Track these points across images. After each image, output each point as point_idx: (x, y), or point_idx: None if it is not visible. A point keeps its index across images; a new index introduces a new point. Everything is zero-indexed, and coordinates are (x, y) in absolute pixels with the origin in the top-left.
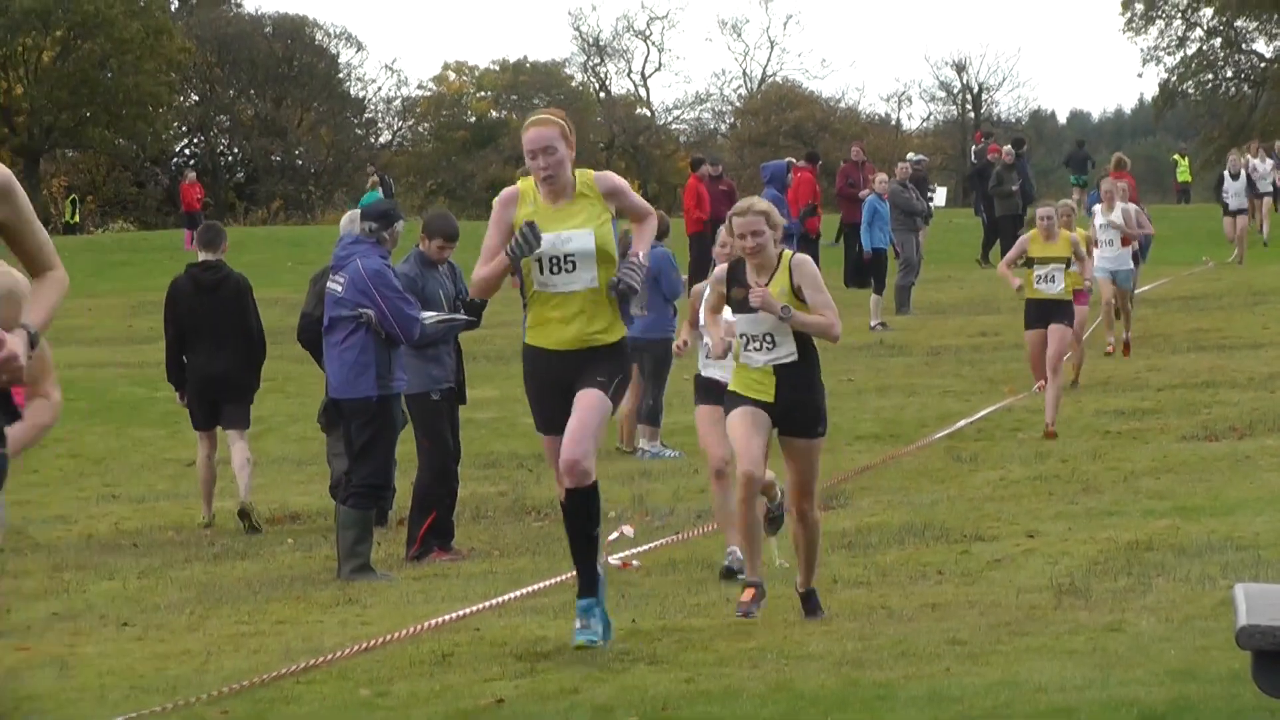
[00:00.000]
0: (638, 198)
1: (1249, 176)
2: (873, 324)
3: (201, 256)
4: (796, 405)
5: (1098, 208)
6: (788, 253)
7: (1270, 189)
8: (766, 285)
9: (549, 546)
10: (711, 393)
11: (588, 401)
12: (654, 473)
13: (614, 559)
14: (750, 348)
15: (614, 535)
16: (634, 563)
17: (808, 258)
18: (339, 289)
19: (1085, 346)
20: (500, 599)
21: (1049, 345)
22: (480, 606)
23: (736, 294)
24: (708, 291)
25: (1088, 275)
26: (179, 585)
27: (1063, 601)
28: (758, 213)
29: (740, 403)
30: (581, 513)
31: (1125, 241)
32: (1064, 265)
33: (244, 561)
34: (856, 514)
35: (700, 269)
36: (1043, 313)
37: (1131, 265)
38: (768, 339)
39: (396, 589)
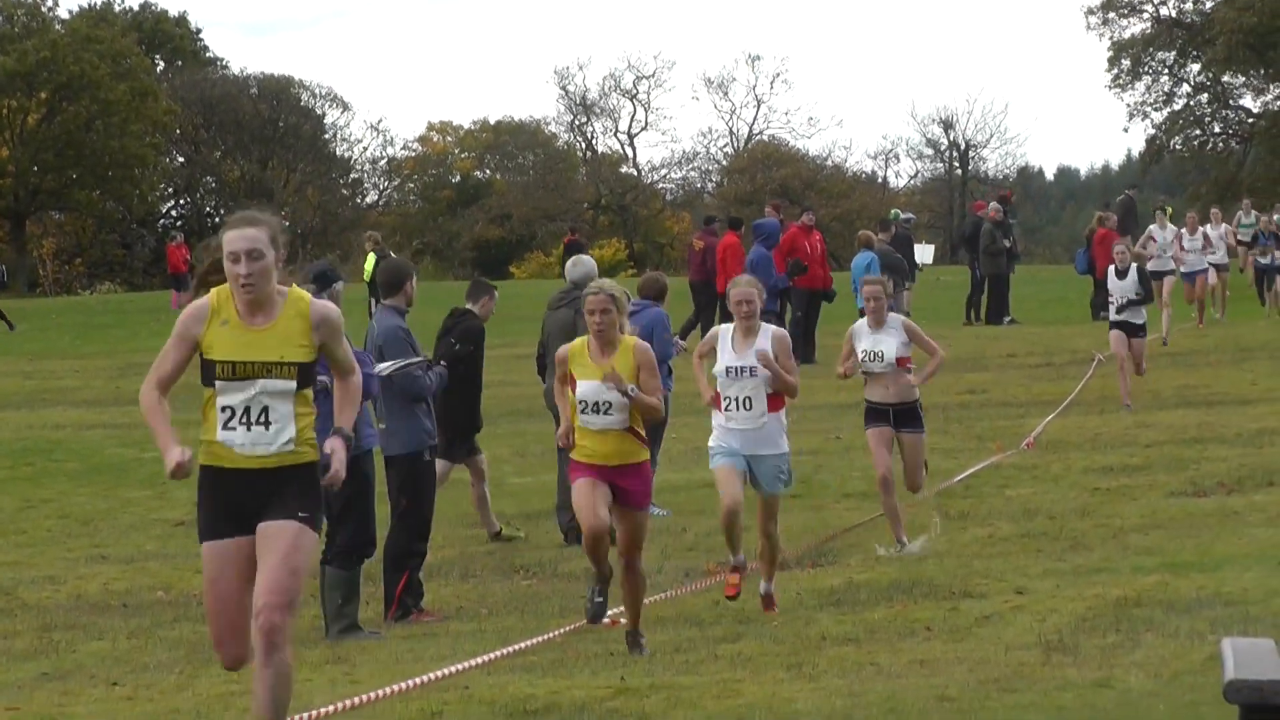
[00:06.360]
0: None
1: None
2: None
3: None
4: None
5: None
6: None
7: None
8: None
9: (537, 605)
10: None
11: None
12: None
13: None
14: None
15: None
16: (621, 620)
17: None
18: None
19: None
20: (488, 657)
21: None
22: (469, 664)
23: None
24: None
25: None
26: (168, 645)
27: (1051, 658)
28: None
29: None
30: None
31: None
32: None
33: None
34: (845, 571)
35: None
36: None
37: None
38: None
39: (385, 648)
